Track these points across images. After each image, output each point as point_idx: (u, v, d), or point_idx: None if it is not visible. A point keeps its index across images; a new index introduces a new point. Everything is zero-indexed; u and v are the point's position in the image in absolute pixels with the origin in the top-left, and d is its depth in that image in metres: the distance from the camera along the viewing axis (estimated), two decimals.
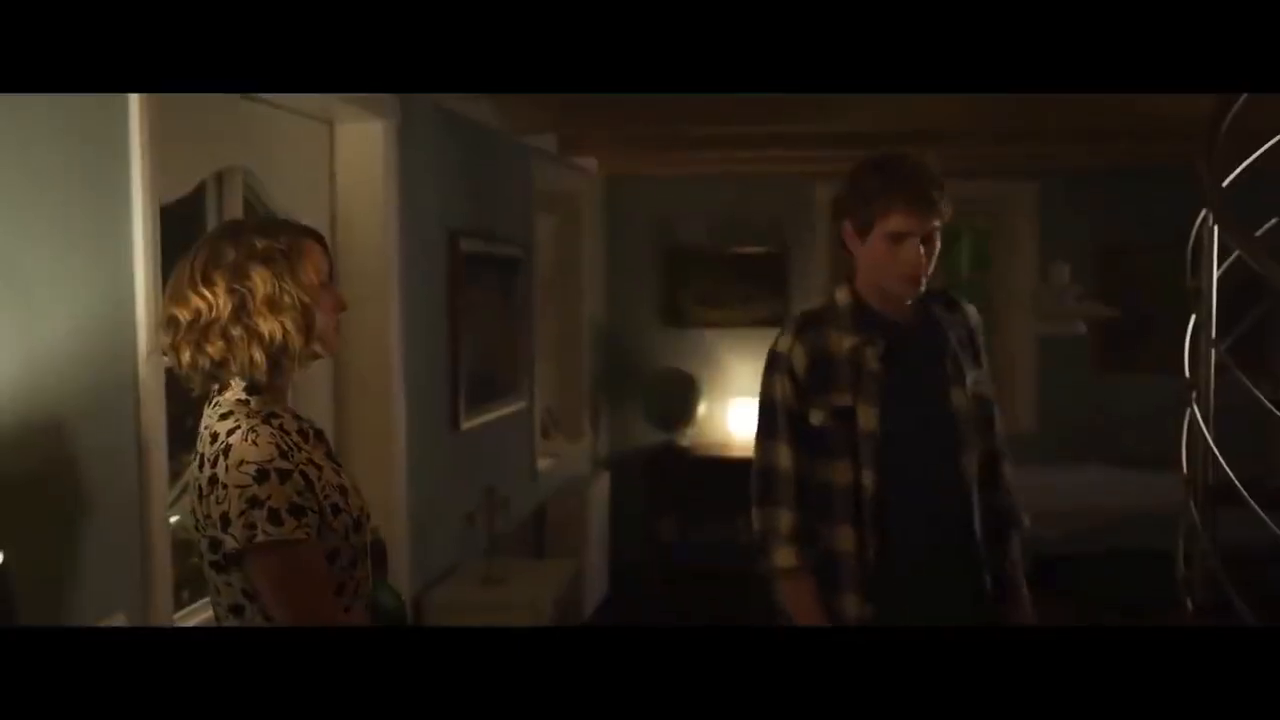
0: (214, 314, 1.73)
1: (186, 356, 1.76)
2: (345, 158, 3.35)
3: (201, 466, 1.74)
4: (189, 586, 2.67)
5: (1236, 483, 2.68)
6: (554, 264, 6.03)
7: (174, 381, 2.35)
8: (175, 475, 2.53)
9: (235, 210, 2.82)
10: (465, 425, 4.17)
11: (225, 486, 1.69)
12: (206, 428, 1.78)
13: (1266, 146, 3.03)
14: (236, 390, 1.78)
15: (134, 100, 2.17)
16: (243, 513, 1.68)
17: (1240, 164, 3.05)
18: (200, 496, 1.74)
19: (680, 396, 6.47)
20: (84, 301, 2.07)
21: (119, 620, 2.14)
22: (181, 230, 2.71)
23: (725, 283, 6.55)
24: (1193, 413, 2.84)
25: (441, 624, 3.65)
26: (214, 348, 1.74)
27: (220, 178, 2.80)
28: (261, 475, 1.69)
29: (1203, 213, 3.02)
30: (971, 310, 2.46)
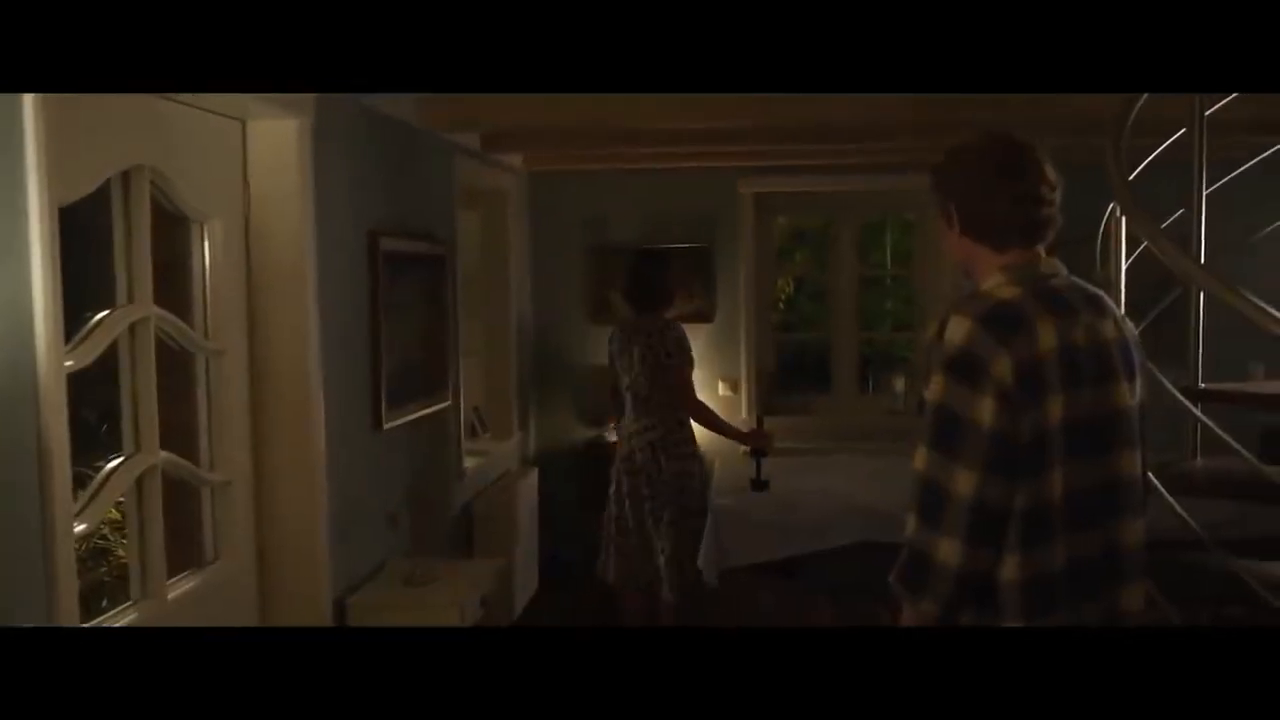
0: None
1: None
2: (258, 156, 3.29)
3: None
4: (93, 596, 2.61)
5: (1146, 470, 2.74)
6: (480, 262, 5.99)
7: (75, 387, 2.30)
8: (80, 481, 2.47)
9: (142, 211, 2.75)
10: (388, 425, 4.13)
11: None
12: None
13: (1168, 142, 3.11)
14: None
15: (28, 98, 2.10)
16: None
17: (1146, 158, 3.12)
18: None
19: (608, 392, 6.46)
20: None
21: None
22: (85, 232, 2.66)
23: None
24: None
25: (367, 624, 3.61)
26: None
27: (126, 177, 2.73)
28: None
29: (1111, 205, 3.09)
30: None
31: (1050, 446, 1.95)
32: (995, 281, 2.07)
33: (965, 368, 1.94)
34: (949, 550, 1.94)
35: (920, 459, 1.99)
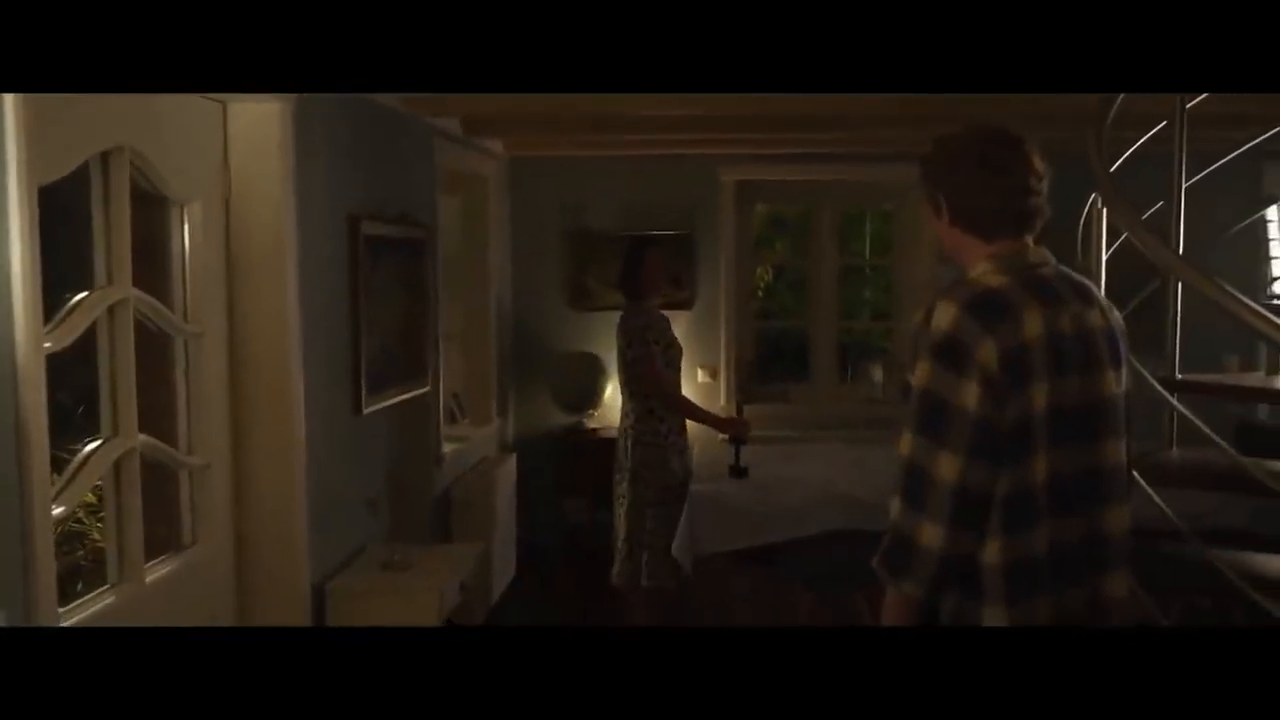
0: None
1: None
2: (238, 138, 3.26)
3: None
4: (69, 580, 2.60)
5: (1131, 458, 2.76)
6: (460, 247, 5.97)
7: (55, 370, 2.28)
8: (56, 464, 2.45)
9: (122, 192, 2.73)
10: (367, 410, 4.11)
11: None
12: None
13: (1149, 134, 3.12)
14: None
15: None
16: None
17: (1128, 150, 3.14)
18: None
19: (587, 379, 6.47)
20: None
21: None
22: (65, 213, 2.63)
23: None
24: None
25: (345, 609, 3.61)
26: None
27: (106, 158, 2.70)
28: None
29: (1092, 196, 3.11)
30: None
31: (1035, 433, 1.95)
32: (983, 269, 2.07)
33: (951, 353, 1.94)
34: (932, 534, 1.95)
35: (905, 443, 1.99)
